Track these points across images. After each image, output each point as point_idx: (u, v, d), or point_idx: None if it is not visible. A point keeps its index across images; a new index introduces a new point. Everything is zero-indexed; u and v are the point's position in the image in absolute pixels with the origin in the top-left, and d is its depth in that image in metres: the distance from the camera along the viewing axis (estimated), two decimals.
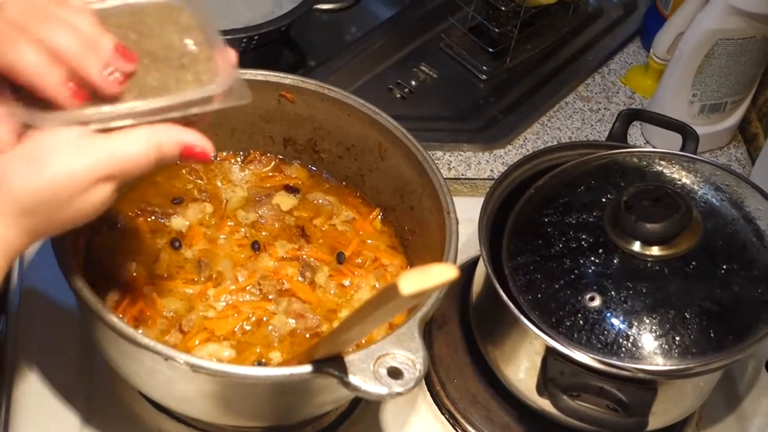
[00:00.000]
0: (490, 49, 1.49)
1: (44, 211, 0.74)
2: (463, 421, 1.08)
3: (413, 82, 1.47)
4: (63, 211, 0.75)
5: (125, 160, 0.75)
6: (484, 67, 1.49)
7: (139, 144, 0.75)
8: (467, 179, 1.33)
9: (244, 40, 1.32)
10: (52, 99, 0.73)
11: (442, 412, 1.10)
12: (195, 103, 0.78)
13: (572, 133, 1.42)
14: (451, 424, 1.09)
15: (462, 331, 1.15)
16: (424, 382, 1.11)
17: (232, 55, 0.81)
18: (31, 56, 0.72)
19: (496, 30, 1.47)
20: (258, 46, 1.36)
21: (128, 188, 1.04)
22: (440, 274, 0.66)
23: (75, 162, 0.73)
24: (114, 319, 0.87)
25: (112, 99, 0.75)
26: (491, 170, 1.35)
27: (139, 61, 0.77)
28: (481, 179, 1.33)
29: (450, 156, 1.36)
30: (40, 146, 0.73)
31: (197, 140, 0.78)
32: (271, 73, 1.09)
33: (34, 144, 0.73)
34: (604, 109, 1.47)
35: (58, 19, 0.73)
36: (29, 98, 0.74)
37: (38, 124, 0.73)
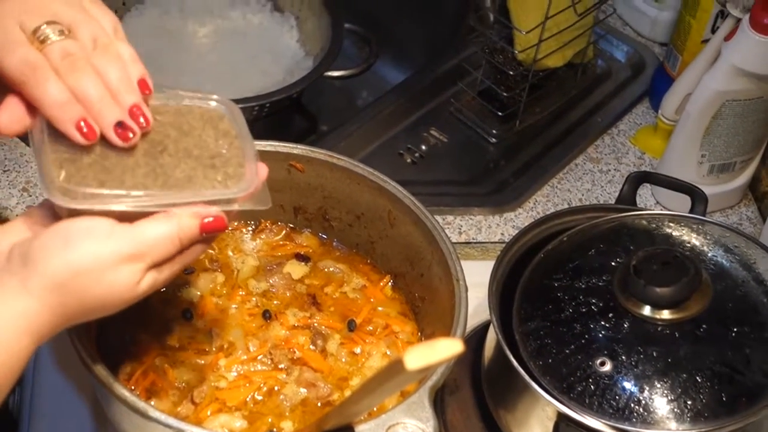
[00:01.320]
0: (500, 113, 1.50)
1: (74, 285, 0.77)
2: None
3: (424, 147, 1.48)
4: (93, 287, 0.78)
5: (149, 242, 0.79)
6: (494, 131, 1.51)
7: (159, 227, 0.80)
8: (478, 243, 1.34)
9: (256, 108, 1.34)
10: (65, 134, 0.78)
11: None
12: (216, 202, 0.82)
13: (582, 195, 1.43)
14: None
15: (474, 396, 1.14)
16: None
17: (263, 169, 0.86)
18: (54, 92, 0.78)
19: (505, 94, 1.48)
20: (270, 114, 1.38)
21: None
22: (446, 349, 0.66)
23: (104, 242, 0.78)
24: (125, 393, 0.87)
25: (138, 188, 0.80)
26: (502, 233, 1.35)
27: (173, 155, 0.83)
28: (491, 243, 1.34)
29: (461, 220, 1.36)
30: (74, 229, 0.78)
31: (209, 210, 0.82)
32: (281, 144, 1.10)
33: (69, 226, 0.78)
34: (614, 170, 1.47)
35: (91, 66, 0.79)
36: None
37: (72, 206, 0.79)
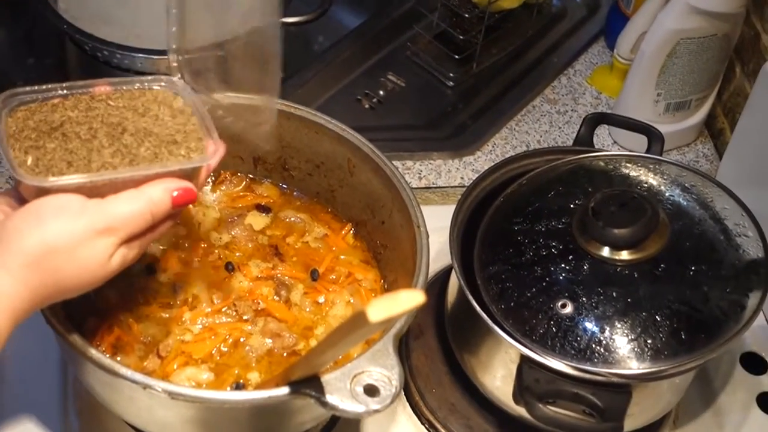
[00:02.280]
0: (456, 56, 1.50)
1: (49, 262, 0.78)
2: (442, 430, 1.10)
3: (381, 92, 1.48)
4: (68, 263, 0.79)
5: (120, 216, 0.81)
6: (451, 74, 1.50)
7: (130, 202, 0.82)
8: (438, 188, 1.34)
9: None
10: None
11: (422, 422, 1.11)
12: (181, 173, 0.85)
13: (540, 137, 1.43)
14: None
15: (439, 340, 1.16)
16: (403, 392, 1.12)
17: (222, 145, 0.89)
18: None
19: (461, 36, 1.48)
20: None
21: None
22: (408, 300, 0.67)
23: (76, 218, 0.79)
24: (91, 351, 0.87)
25: (107, 167, 0.83)
26: (461, 177, 1.36)
27: (134, 135, 0.85)
28: (452, 187, 1.35)
29: (420, 165, 1.37)
30: (46, 206, 0.80)
31: (179, 183, 0.84)
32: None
33: (41, 204, 0.80)
34: (572, 110, 1.48)
35: None
36: None
37: (46, 184, 0.80)
